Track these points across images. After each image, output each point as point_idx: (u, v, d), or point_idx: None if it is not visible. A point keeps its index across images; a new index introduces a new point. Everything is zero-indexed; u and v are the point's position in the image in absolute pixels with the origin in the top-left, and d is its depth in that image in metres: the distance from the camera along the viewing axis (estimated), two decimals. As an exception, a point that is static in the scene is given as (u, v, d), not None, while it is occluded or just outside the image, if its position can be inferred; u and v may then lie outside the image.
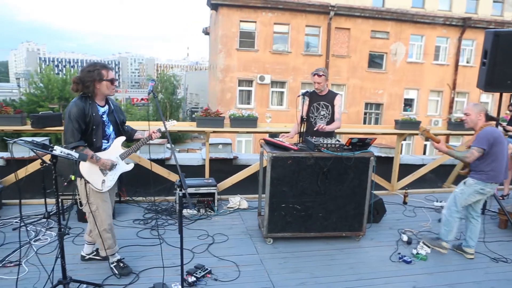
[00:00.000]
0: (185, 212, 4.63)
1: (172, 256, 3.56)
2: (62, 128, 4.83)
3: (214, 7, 18.64)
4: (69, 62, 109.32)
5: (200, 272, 3.27)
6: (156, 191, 5.23)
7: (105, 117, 3.14)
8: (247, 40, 18.68)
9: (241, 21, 18.40)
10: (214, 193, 4.84)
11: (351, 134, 5.47)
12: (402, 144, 6.23)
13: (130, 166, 3.37)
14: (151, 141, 3.42)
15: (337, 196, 3.96)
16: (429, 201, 5.67)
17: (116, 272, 3.25)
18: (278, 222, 3.92)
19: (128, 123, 3.53)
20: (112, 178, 3.20)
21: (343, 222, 4.06)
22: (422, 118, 6.33)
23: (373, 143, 4.08)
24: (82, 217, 4.35)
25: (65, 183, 4.35)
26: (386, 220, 4.80)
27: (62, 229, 2.70)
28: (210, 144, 5.56)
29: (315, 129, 4.31)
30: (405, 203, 5.51)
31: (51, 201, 4.36)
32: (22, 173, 4.88)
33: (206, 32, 24.79)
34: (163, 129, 3.27)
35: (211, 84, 23.15)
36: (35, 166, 4.76)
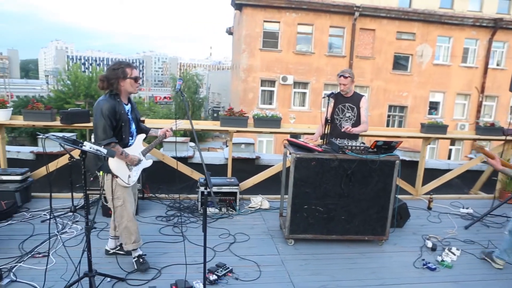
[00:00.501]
0: (208, 210, 4.66)
1: (193, 254, 3.59)
2: (89, 124, 4.98)
3: (238, 7, 18.71)
4: (95, 60, 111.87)
5: (221, 271, 3.29)
6: (179, 189, 5.29)
7: (129, 115, 3.24)
8: (270, 40, 18.68)
9: (265, 21, 18.41)
10: (236, 193, 4.86)
11: (375, 136, 5.39)
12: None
13: (150, 162, 3.50)
14: (172, 139, 3.56)
15: (360, 199, 3.91)
16: (455, 207, 5.52)
17: (135, 267, 3.32)
18: (300, 223, 3.90)
19: (151, 120, 3.64)
20: (136, 174, 3.32)
21: (365, 225, 4.00)
22: (448, 121, 6.18)
23: (398, 147, 4.02)
24: (106, 212, 4.45)
25: (92, 178, 4.46)
26: (410, 225, 4.71)
27: (90, 224, 2.77)
28: (232, 143, 5.57)
29: (342, 130, 4.28)
30: (429, 208, 5.39)
31: (77, 195, 4.53)
32: (51, 167, 5.03)
33: (229, 32, 24.92)
34: (174, 128, 3.48)
35: (234, 83, 23.26)
36: (63, 160, 4.89)
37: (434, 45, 19.48)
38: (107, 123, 2.99)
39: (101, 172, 2.97)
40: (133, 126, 3.31)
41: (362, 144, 3.93)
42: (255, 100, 18.87)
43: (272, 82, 19.13)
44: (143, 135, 3.42)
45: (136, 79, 3.15)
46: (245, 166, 6.07)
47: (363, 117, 4.42)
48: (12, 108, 5.00)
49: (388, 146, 3.89)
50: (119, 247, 3.56)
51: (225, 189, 4.82)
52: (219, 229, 4.29)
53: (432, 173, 6.38)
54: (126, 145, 3.22)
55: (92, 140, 4.44)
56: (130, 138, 3.27)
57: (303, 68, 18.90)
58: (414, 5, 19.43)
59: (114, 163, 3.11)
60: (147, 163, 3.47)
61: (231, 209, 4.85)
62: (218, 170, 5.79)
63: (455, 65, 19.82)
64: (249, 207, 5.04)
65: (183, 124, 3.81)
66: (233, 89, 24.09)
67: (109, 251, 3.57)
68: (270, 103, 19.25)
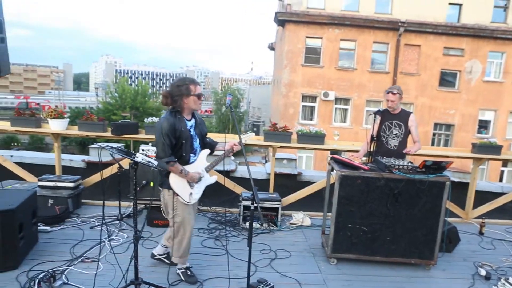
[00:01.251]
0: (247, 224, 4.67)
1: (235, 268, 3.59)
2: (137, 136, 5.19)
3: (281, 23, 18.95)
4: (141, 74, 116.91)
5: (263, 287, 3.27)
6: (220, 202, 5.34)
7: (192, 131, 3.20)
8: (312, 56, 18.72)
9: (307, 37, 18.51)
10: (278, 208, 4.85)
11: (423, 156, 5.19)
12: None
13: (214, 179, 3.42)
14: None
15: (407, 220, 3.77)
16: (510, 234, 5.17)
17: (183, 278, 3.35)
18: (343, 242, 3.82)
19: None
20: (198, 191, 3.27)
21: (412, 248, 3.84)
22: (499, 141, 5.81)
23: (448, 167, 3.86)
24: (151, 222, 4.57)
25: (138, 188, 4.62)
26: (460, 251, 4.46)
27: (138, 233, 2.85)
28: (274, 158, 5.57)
29: (405, 151, 4.22)
30: (481, 233, 5.09)
31: (123, 204, 4.69)
32: (99, 176, 5.27)
33: (271, 47, 25.22)
34: (243, 141, 3.30)
35: (274, 98, 23.40)
36: (112, 170, 5.09)
37: (484, 61, 18.66)
38: (166, 142, 3.00)
39: (151, 183, 3.06)
40: (196, 143, 3.25)
41: (409, 163, 3.81)
42: (295, 116, 18.86)
43: (313, 98, 19.07)
44: (207, 151, 3.34)
45: (199, 96, 3.13)
46: (287, 182, 6.04)
47: (415, 137, 4.32)
48: (68, 119, 5.30)
49: (437, 166, 3.75)
50: (165, 255, 3.63)
51: (267, 204, 4.82)
52: (260, 244, 4.27)
53: (482, 196, 6.04)
54: (187, 162, 3.18)
55: (141, 151, 4.62)
56: (192, 155, 3.22)
57: (345, 84, 18.72)
58: (463, 20, 18.75)
59: (175, 181, 3.12)
60: (210, 179, 3.38)
61: (272, 225, 4.83)
62: (259, 185, 5.80)
63: (508, 82, 18.83)
64: (290, 223, 5.00)
65: (252, 138, 3.65)
66: (273, 104, 24.24)
67: (155, 255, 3.63)
68: (311, 119, 19.15)
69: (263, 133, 5.27)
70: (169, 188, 3.13)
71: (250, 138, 3.56)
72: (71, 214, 4.84)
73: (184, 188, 3.18)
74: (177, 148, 3.11)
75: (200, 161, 3.30)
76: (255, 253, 4.03)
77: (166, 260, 3.60)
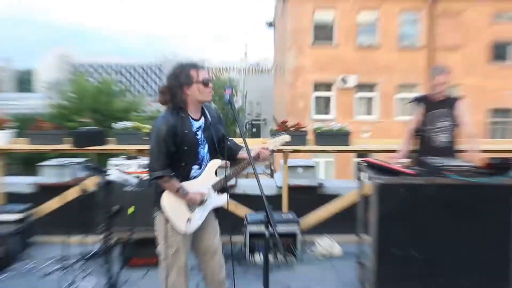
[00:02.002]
0: (259, 258, 4.58)
1: (244, 317, 3.49)
2: (105, 147, 5.12)
3: (282, -5, 19.09)
4: (102, 67, 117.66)
5: None
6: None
7: (199, 135, 3.07)
8: (323, 33, 18.79)
9: (315, 10, 18.53)
10: (295, 233, 4.77)
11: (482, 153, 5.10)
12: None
13: (223, 200, 3.22)
14: None
15: (472, 240, 3.69)
16: None
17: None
18: (389, 275, 3.72)
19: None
20: (199, 216, 3.09)
21: (481, 276, 3.73)
22: None
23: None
24: (128, 261, 4.43)
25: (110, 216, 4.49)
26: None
27: (113, 279, 2.74)
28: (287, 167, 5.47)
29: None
30: None
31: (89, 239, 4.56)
32: (55, 203, 5.19)
33: (270, 24, 25.29)
34: (271, 147, 3.19)
35: (278, 89, 23.45)
36: (73, 194, 4.98)
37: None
38: (161, 150, 2.88)
39: (130, 209, 2.94)
40: (204, 150, 3.11)
41: (468, 164, 3.72)
42: (307, 110, 18.83)
43: (328, 86, 19.10)
44: (217, 162, 3.16)
45: (206, 83, 3.00)
46: (303, 197, 5.90)
47: (470, 129, 4.30)
48: (13, 130, 5.20)
49: (508, 166, 3.66)
50: None
51: (281, 228, 4.70)
52: (276, 283, 4.10)
53: None
54: (187, 176, 3.05)
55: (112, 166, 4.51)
56: (196, 166, 3.08)
57: (368, 67, 18.71)
58: (517, -25, 18.79)
59: (168, 202, 2.98)
60: (218, 200, 3.21)
61: (290, 255, 4.75)
62: (269, 202, 5.69)
63: None
64: (314, 253, 4.95)
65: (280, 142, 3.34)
66: (277, 96, 24.29)
67: None
68: (326, 113, 19.14)
69: (269, 134, 5.18)
70: (160, 210, 3.01)
71: (284, 140, 3.28)
72: (16, 257, 4.71)
73: (181, 213, 3.02)
74: (176, 158, 2.96)
75: (207, 175, 3.13)
76: (270, 295, 3.92)
77: None
